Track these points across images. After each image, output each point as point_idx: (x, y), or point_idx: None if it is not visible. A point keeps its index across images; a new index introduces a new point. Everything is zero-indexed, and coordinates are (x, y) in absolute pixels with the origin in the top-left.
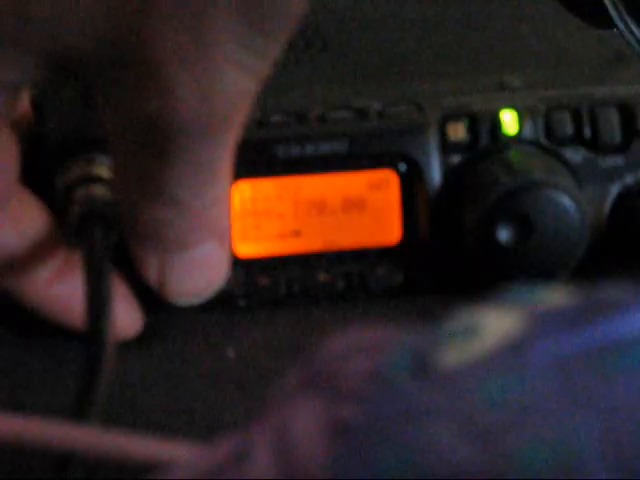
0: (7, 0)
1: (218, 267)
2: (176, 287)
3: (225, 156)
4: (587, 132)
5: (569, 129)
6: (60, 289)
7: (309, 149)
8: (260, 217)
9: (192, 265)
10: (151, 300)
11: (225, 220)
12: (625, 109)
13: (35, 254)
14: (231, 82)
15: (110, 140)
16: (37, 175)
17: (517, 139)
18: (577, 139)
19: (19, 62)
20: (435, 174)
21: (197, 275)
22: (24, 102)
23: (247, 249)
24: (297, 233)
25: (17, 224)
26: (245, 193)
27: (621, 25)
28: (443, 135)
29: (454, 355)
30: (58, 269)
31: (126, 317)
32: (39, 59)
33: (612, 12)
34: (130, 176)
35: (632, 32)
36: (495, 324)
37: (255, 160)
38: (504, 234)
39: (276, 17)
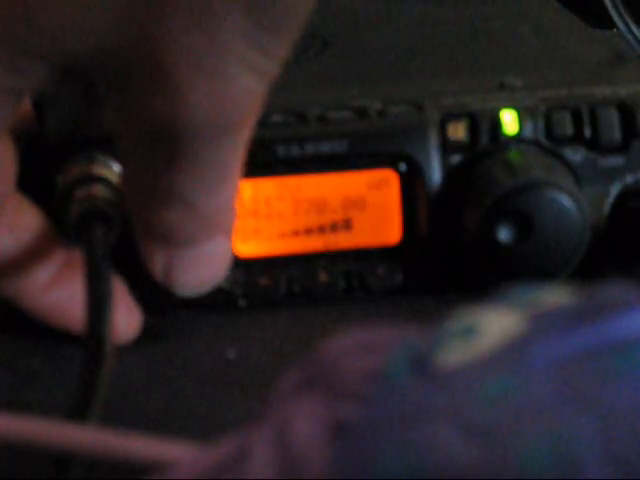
0: (14, 6)
1: (223, 260)
2: (181, 280)
3: (237, 158)
4: (587, 132)
5: (569, 129)
6: (58, 294)
7: (309, 149)
8: (260, 217)
9: (199, 260)
10: (151, 301)
11: (232, 217)
12: (625, 109)
13: (32, 259)
14: (242, 83)
15: (119, 143)
16: (37, 175)
17: (517, 139)
18: (577, 139)
19: (27, 68)
20: (435, 174)
21: (203, 269)
22: (25, 102)
23: (247, 249)
24: (297, 233)
25: (14, 229)
26: (245, 193)
27: (621, 25)
28: (443, 135)
29: (454, 355)
30: (56, 274)
31: (125, 320)
32: (47, 65)
33: (612, 12)
34: (140, 178)
35: (632, 32)
36: (495, 324)
37: (255, 160)
38: (504, 234)
39: (285, 16)
